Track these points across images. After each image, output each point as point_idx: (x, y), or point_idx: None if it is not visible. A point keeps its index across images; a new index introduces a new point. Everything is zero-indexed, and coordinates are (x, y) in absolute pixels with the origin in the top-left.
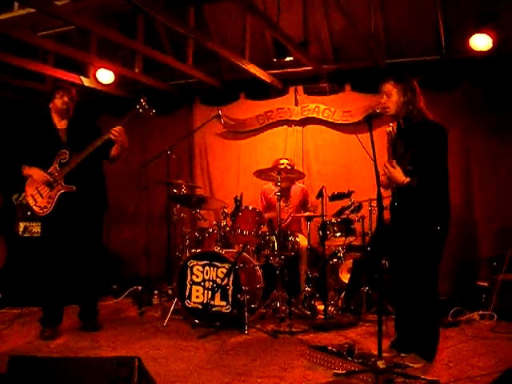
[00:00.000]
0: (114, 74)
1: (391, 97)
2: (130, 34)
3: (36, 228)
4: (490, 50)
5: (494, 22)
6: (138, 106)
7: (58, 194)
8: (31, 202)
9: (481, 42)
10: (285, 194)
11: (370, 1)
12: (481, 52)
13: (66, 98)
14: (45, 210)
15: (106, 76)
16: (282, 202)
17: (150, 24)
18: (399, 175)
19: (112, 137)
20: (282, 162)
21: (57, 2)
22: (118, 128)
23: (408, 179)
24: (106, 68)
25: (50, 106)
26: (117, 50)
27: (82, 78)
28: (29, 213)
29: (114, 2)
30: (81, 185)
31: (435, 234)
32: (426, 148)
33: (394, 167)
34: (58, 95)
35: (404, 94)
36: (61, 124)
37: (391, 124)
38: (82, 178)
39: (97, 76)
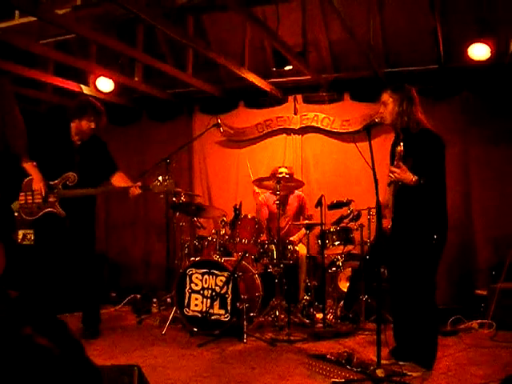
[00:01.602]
0: (114, 82)
1: (387, 106)
2: (130, 43)
3: (33, 235)
4: (488, 59)
5: (492, 31)
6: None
7: (47, 210)
8: (22, 199)
9: (479, 51)
10: (282, 202)
11: (369, 11)
12: (479, 61)
13: (93, 126)
14: (28, 216)
15: (105, 84)
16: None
17: (149, 32)
18: (408, 175)
19: (130, 193)
20: (280, 170)
21: (57, 11)
22: (139, 192)
23: (416, 177)
24: (105, 76)
25: (75, 121)
26: (117, 59)
27: (81, 86)
28: (16, 213)
29: (114, 11)
30: (72, 210)
31: (432, 242)
32: (424, 158)
33: (399, 167)
34: (87, 118)
35: (400, 104)
36: (75, 138)
37: (402, 143)
38: (77, 202)
39: (96, 84)
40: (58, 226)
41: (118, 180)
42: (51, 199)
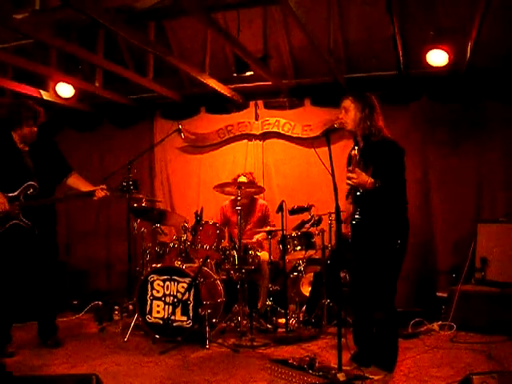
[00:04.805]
0: (74, 87)
1: (349, 112)
2: (91, 48)
3: None
4: (446, 65)
5: (449, 38)
6: (124, 184)
7: (12, 222)
8: None
9: (437, 57)
10: (245, 210)
11: (330, 17)
12: (438, 67)
13: (35, 128)
14: None
15: (65, 90)
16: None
17: (110, 38)
18: (363, 177)
19: (95, 198)
20: (240, 180)
21: (15, 16)
22: (105, 195)
23: (372, 180)
24: (65, 82)
25: (17, 130)
26: (77, 64)
27: (41, 91)
28: None
29: (74, 16)
30: (36, 218)
31: (396, 247)
32: (384, 166)
33: (354, 172)
34: (27, 124)
35: (361, 110)
36: (21, 145)
37: (356, 147)
38: (39, 211)
39: (56, 90)
40: (25, 236)
41: (76, 182)
42: (14, 211)
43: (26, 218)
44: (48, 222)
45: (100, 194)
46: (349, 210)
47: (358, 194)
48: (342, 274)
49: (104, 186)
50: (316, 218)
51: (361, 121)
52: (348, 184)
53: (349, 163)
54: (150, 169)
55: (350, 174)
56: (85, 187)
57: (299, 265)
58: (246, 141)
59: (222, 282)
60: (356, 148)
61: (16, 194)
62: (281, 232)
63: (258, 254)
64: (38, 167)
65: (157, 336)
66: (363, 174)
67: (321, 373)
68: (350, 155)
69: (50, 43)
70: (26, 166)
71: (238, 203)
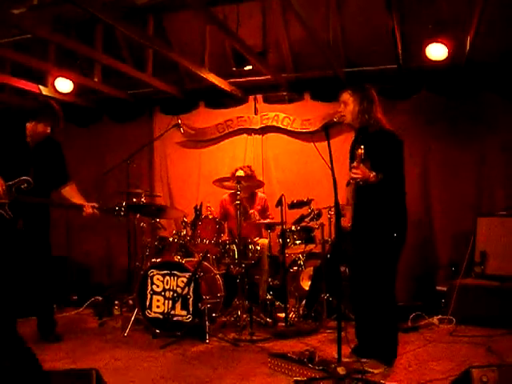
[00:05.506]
0: (73, 82)
1: (347, 106)
2: (89, 43)
3: None
4: (446, 59)
5: (448, 31)
6: (116, 209)
7: None
8: None
9: (437, 51)
10: (245, 203)
11: (329, 11)
12: (437, 61)
13: (48, 130)
14: None
15: (64, 85)
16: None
17: (109, 33)
18: (368, 173)
19: (84, 213)
20: (238, 173)
21: (13, 11)
22: (94, 213)
23: (375, 173)
24: (64, 77)
25: (32, 122)
26: (75, 59)
27: (40, 86)
28: None
29: (72, 11)
30: (23, 214)
31: (392, 240)
32: (382, 157)
33: (357, 167)
34: (44, 121)
35: (360, 103)
36: (28, 140)
37: (362, 146)
38: (28, 208)
39: (55, 85)
40: (4, 227)
41: (70, 193)
42: (2, 200)
43: (12, 210)
44: (38, 220)
45: (88, 210)
46: (344, 199)
47: (358, 186)
48: (342, 268)
49: (95, 204)
50: (316, 212)
51: (359, 113)
52: (352, 179)
53: (352, 158)
54: (149, 163)
55: (354, 170)
56: (77, 200)
57: (299, 259)
58: (245, 135)
59: (221, 276)
60: (362, 147)
61: (9, 183)
62: (280, 226)
63: (258, 246)
64: (39, 166)
65: (157, 331)
66: (367, 170)
67: (321, 366)
68: (353, 150)
69: (48, 38)
70: (29, 161)
71: (238, 197)
